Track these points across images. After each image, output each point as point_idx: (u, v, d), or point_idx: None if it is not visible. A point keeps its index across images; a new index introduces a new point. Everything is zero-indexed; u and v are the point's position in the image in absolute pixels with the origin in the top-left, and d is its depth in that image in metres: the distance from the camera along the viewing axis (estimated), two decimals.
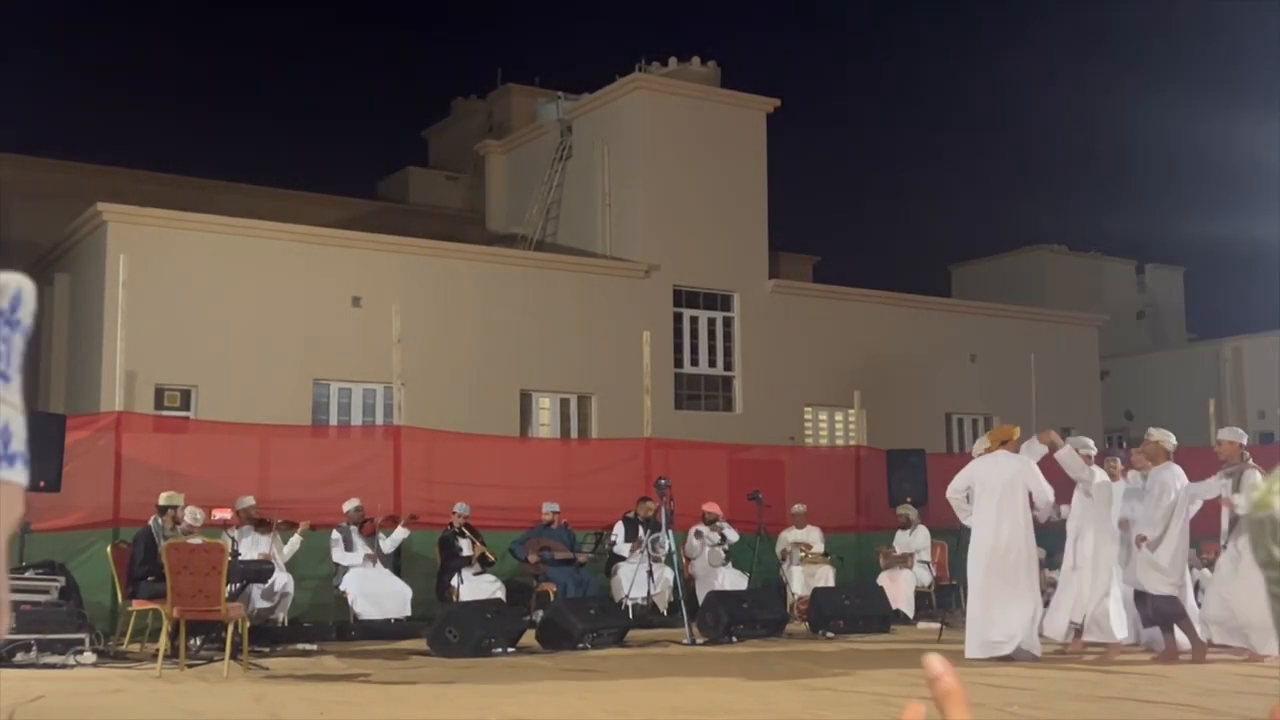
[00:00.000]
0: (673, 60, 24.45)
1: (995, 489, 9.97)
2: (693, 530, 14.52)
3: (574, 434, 20.48)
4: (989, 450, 10.33)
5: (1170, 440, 10.44)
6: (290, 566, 12.11)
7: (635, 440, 15.81)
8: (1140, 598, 10.08)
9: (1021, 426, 11.21)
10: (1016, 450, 10.24)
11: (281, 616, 11.91)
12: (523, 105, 27.58)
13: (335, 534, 12.69)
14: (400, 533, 12.91)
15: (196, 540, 9.92)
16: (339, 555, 12.63)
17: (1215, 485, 10.34)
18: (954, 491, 10.30)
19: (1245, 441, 10.55)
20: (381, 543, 12.84)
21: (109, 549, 11.09)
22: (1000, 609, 9.75)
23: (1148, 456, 10.31)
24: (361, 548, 12.71)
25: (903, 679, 8.51)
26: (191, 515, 10.63)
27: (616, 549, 14.06)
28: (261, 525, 11.94)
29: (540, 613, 12.52)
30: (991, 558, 9.87)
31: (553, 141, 24.11)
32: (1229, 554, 9.83)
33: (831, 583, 14.42)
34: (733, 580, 13.95)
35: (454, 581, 12.60)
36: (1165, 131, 44.61)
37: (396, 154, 44.10)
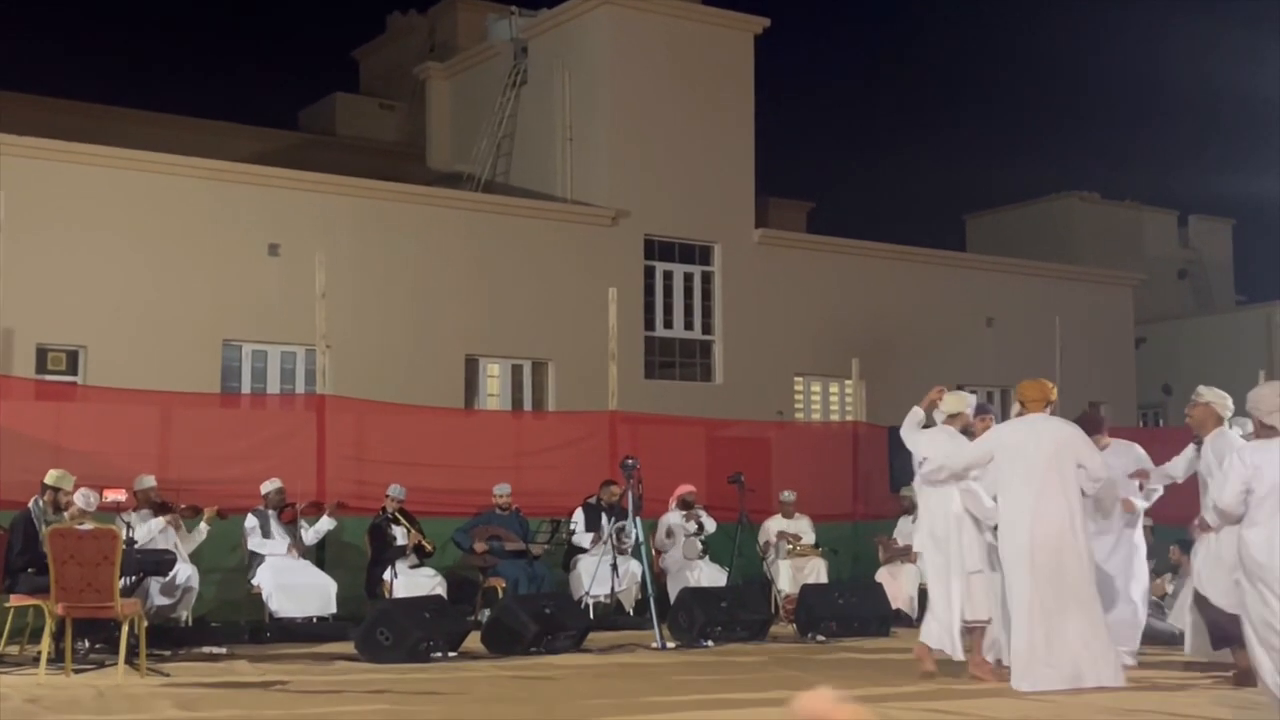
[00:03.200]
0: None
1: (1035, 463, 8.80)
2: (665, 518, 14.58)
3: (527, 406, 20.46)
4: (1020, 412, 9.27)
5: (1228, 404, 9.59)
6: (195, 558, 12.09)
7: (598, 414, 15.84)
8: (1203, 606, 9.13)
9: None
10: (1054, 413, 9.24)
11: (185, 615, 11.92)
12: (470, 22, 27.40)
13: (251, 519, 12.68)
14: (325, 523, 12.91)
15: (86, 526, 9.86)
16: (255, 543, 12.62)
17: (1184, 462, 9.81)
18: (967, 464, 9.21)
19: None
20: (304, 532, 12.83)
21: None
22: (1055, 627, 8.61)
23: (1197, 423, 9.53)
24: (281, 536, 12.71)
25: (904, 689, 8.57)
26: (84, 498, 10.56)
27: (576, 539, 14.10)
28: (162, 509, 11.89)
29: (487, 612, 12.56)
30: (1034, 558, 8.67)
31: (505, 65, 23.97)
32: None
33: (823, 579, 14.52)
34: (710, 576, 14.03)
35: (387, 575, 12.60)
36: (1214, 69, 44.77)
37: (322, 78, 43.74)
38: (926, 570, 9.86)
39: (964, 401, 9.87)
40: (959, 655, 9.24)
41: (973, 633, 9.28)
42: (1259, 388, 8.27)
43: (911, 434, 9.74)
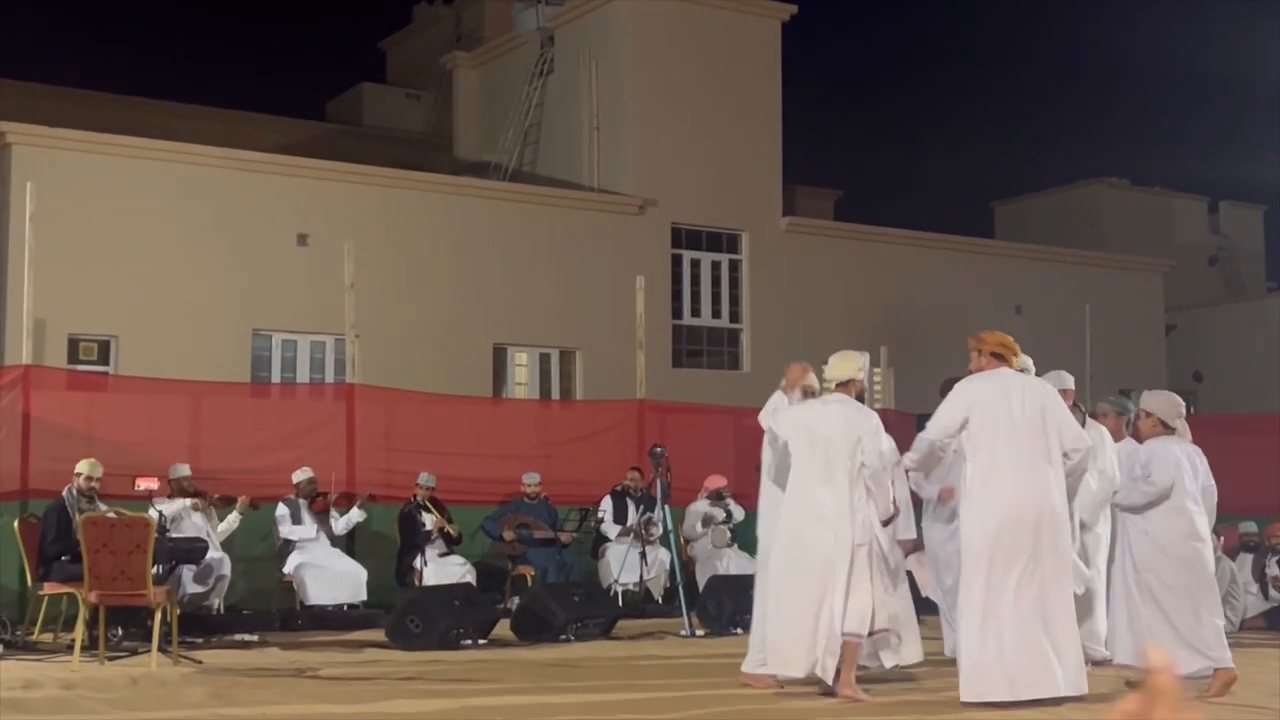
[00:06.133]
0: None
1: (1016, 425, 7.44)
2: (693, 507, 14.58)
3: (555, 395, 20.48)
4: (983, 366, 7.79)
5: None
6: (227, 546, 12.17)
7: (626, 402, 15.85)
8: None
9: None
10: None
11: (217, 602, 11.99)
12: (496, 12, 27.39)
13: (282, 507, 12.75)
14: (355, 514, 12.99)
15: (108, 512, 9.94)
16: (285, 530, 12.69)
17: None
18: (943, 432, 7.65)
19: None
20: (334, 523, 12.90)
21: (16, 524, 11.13)
22: (1020, 624, 7.28)
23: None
24: (311, 525, 12.77)
25: (937, 679, 8.55)
26: (91, 468, 10.66)
27: (604, 527, 14.14)
28: (195, 498, 11.96)
29: (516, 600, 12.60)
30: (1005, 540, 7.31)
31: (531, 54, 23.96)
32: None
33: None
34: (738, 564, 14.02)
35: (417, 563, 12.68)
36: (1246, 54, 44.43)
37: (349, 68, 43.75)
38: (776, 579, 8.09)
39: (856, 364, 8.19)
40: (830, 676, 7.74)
41: (845, 649, 7.82)
42: (1156, 393, 8.45)
43: (775, 418, 8.37)
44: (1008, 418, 7.45)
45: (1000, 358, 7.70)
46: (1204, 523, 8.26)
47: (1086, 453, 7.79)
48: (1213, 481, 8.46)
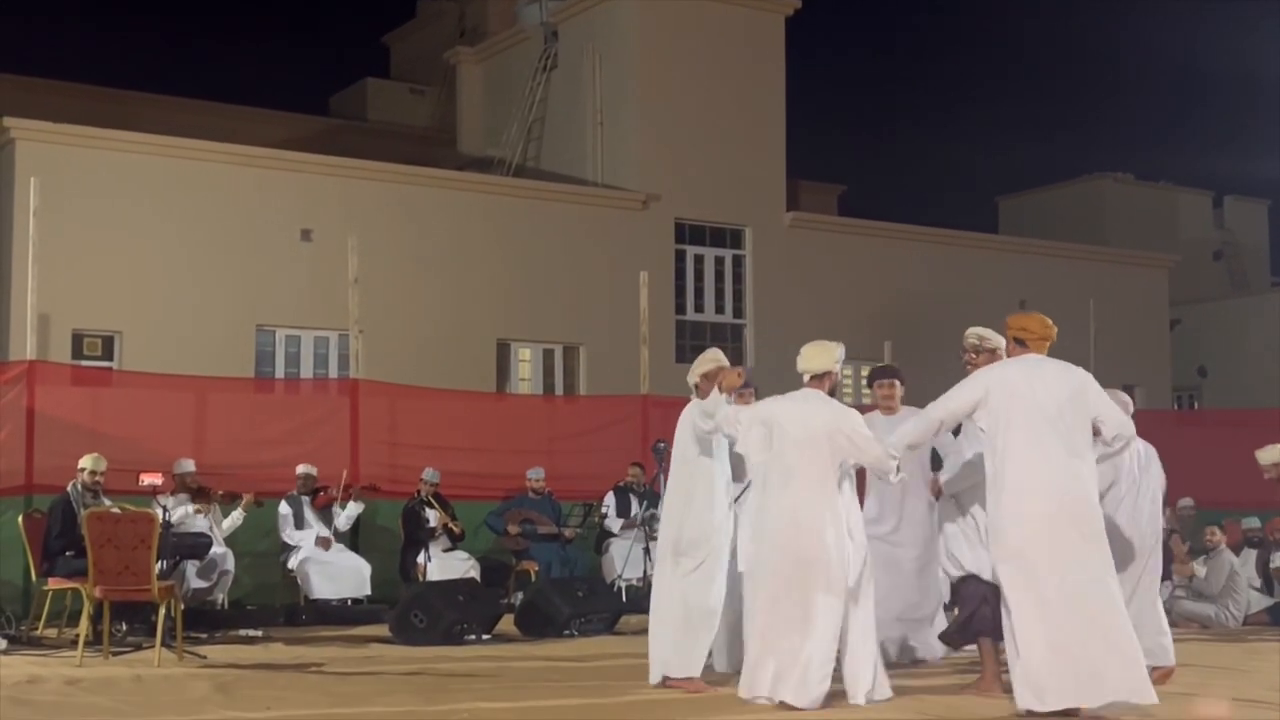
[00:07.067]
0: None
1: (1045, 413, 6.85)
2: None
3: (559, 390, 20.49)
4: (1014, 351, 7.26)
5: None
6: (231, 541, 12.17)
7: (630, 397, 15.85)
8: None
9: None
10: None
11: (221, 598, 12.00)
12: (500, 7, 27.35)
13: (285, 507, 12.75)
14: (353, 507, 12.96)
15: (113, 507, 9.94)
16: (289, 534, 12.70)
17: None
18: (951, 414, 7.18)
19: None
20: (336, 519, 12.90)
21: (20, 519, 11.13)
22: (1072, 626, 6.67)
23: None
24: (314, 524, 12.77)
25: (949, 679, 8.53)
26: (95, 463, 10.68)
27: (608, 523, 14.13)
28: (200, 494, 11.97)
29: (520, 595, 12.60)
30: (1051, 539, 6.73)
31: (536, 49, 23.95)
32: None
33: None
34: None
35: (421, 559, 12.67)
36: (1250, 49, 44.37)
37: (353, 63, 43.73)
38: (765, 598, 7.58)
39: (833, 355, 7.60)
40: (864, 698, 7.25)
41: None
42: None
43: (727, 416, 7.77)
44: (1030, 404, 6.87)
45: (1021, 343, 7.14)
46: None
47: (1130, 435, 7.15)
48: (1155, 476, 8.49)
